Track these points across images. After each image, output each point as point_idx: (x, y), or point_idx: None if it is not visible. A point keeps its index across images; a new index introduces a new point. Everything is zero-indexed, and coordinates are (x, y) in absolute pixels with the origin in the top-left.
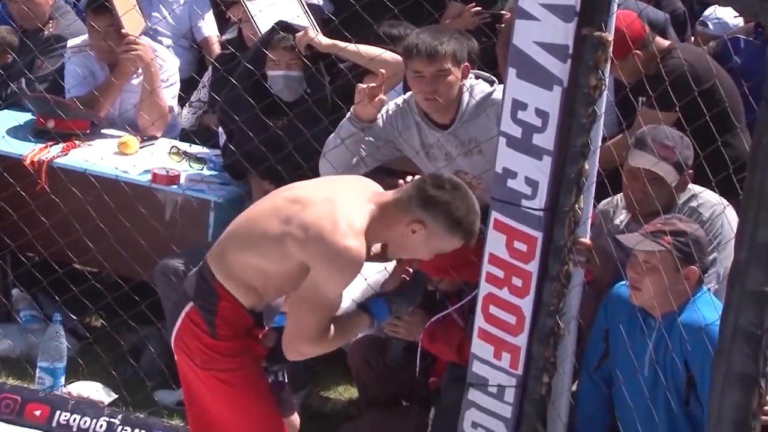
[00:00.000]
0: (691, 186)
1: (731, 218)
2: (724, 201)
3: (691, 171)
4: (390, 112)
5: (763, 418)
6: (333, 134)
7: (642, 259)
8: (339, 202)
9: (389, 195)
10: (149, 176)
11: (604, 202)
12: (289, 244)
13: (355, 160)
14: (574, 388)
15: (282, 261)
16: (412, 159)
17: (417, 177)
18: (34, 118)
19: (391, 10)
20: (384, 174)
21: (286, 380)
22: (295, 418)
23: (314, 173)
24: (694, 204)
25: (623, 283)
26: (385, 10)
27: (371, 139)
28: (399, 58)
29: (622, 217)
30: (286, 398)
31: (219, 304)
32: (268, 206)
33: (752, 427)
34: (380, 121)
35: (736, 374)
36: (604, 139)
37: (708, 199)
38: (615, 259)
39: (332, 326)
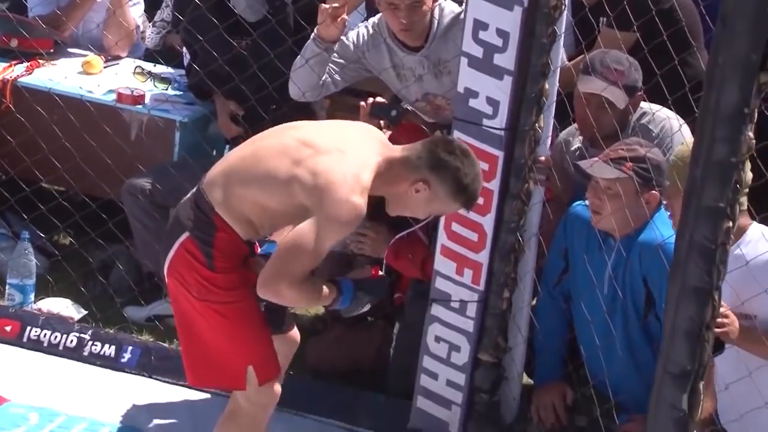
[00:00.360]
0: (643, 104)
1: (686, 135)
2: (674, 115)
3: (641, 93)
4: (360, 35)
5: (716, 330)
6: (299, 55)
7: (604, 186)
8: (349, 154)
9: (398, 151)
10: (114, 96)
11: (564, 132)
12: (296, 186)
13: (323, 80)
14: (534, 302)
15: (285, 201)
16: (383, 79)
17: (427, 139)
18: None
19: None
20: (348, 94)
21: None
22: (295, 332)
23: (278, 93)
24: (644, 120)
25: (583, 202)
26: None
27: (342, 60)
28: None
29: (577, 141)
30: (281, 316)
31: (216, 235)
32: (277, 144)
33: (705, 338)
34: (351, 44)
35: (691, 287)
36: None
37: (658, 114)
38: (575, 178)
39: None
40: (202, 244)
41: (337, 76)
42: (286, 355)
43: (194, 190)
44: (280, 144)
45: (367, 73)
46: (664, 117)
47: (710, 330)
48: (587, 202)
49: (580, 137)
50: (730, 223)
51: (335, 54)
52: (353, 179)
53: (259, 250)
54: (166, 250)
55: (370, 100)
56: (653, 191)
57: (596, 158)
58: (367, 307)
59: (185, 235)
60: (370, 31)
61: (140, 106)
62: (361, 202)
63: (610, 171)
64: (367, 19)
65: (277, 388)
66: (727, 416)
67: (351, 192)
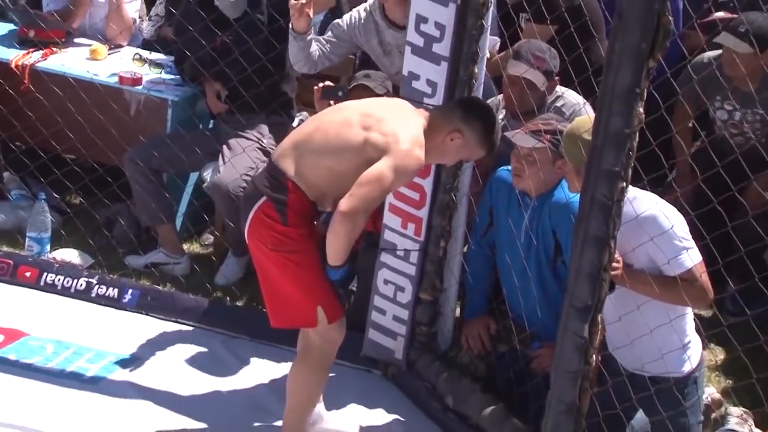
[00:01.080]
0: (558, 88)
1: (590, 114)
2: (583, 100)
3: (557, 77)
4: (353, 17)
5: (612, 273)
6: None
7: (524, 153)
8: (404, 118)
9: (432, 110)
10: (116, 78)
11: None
12: (369, 147)
13: (317, 56)
14: (465, 251)
15: (359, 162)
16: (369, 52)
17: (457, 99)
18: (18, 28)
19: None
20: (312, 77)
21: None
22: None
23: (258, 76)
24: (559, 104)
25: (505, 167)
26: None
27: (335, 39)
28: None
29: (501, 115)
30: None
31: (289, 195)
32: (340, 118)
33: (603, 278)
34: (345, 25)
35: (592, 237)
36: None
37: (570, 99)
38: (499, 147)
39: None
40: (277, 204)
41: (330, 53)
42: None
43: (267, 163)
44: (343, 118)
45: (357, 50)
46: (574, 102)
47: (607, 272)
48: (509, 168)
49: (504, 110)
50: (624, 184)
51: (330, 34)
52: (414, 137)
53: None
54: (246, 215)
55: (321, 84)
56: (564, 159)
57: (518, 130)
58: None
59: (263, 200)
60: (362, 14)
61: (139, 87)
62: (421, 154)
63: (530, 141)
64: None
65: (343, 326)
66: (614, 344)
67: (414, 146)
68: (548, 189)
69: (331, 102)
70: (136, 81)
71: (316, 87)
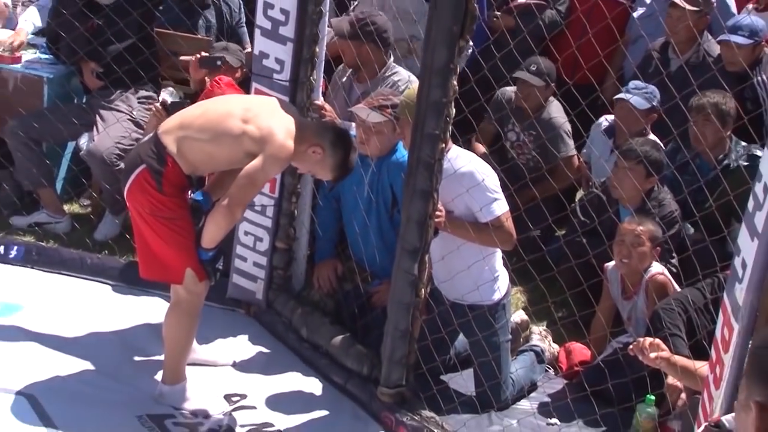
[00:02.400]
0: (390, 63)
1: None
2: (410, 74)
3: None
4: None
5: (436, 220)
6: None
7: (372, 125)
8: (280, 114)
9: (308, 121)
10: None
11: (337, 69)
12: (246, 138)
13: None
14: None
15: (234, 150)
16: None
17: (333, 124)
18: None
19: None
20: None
21: None
22: None
23: (130, 53)
24: (395, 78)
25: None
26: None
27: None
28: None
29: (345, 79)
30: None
31: (166, 168)
32: (225, 109)
33: (429, 225)
34: None
35: (419, 190)
36: None
37: (402, 74)
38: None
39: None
40: (155, 173)
41: None
42: None
43: (152, 135)
44: (227, 109)
45: None
46: (405, 75)
47: (431, 219)
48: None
49: (347, 72)
50: (443, 145)
51: None
52: (286, 130)
53: (191, 195)
54: (126, 178)
55: (198, 55)
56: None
57: (362, 105)
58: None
59: (142, 167)
60: None
61: (18, 66)
62: (291, 145)
63: (376, 116)
64: None
65: (208, 283)
66: (439, 279)
67: (286, 138)
68: (387, 152)
69: (207, 72)
70: (15, 60)
71: (193, 57)
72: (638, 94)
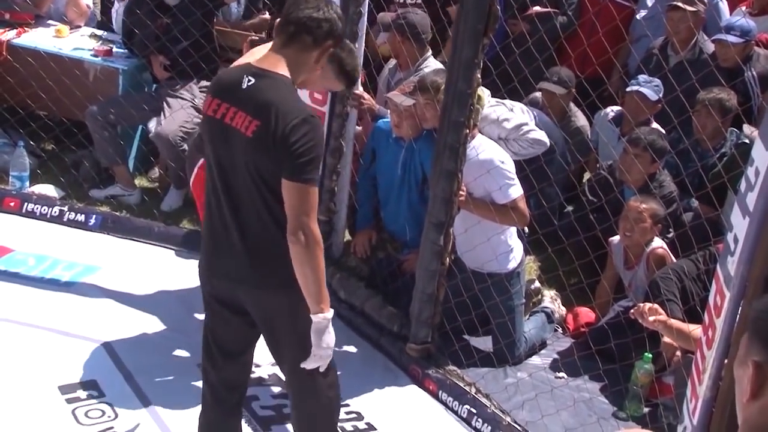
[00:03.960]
0: (428, 56)
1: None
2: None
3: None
4: None
5: (459, 199)
6: None
7: (403, 108)
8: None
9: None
10: (79, 53)
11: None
12: None
13: None
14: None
15: None
16: None
17: None
18: None
19: None
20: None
21: None
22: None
23: (193, 48)
24: (426, 69)
25: (385, 119)
26: None
27: None
28: None
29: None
30: None
31: None
32: None
33: (453, 202)
34: None
35: (445, 171)
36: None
37: (431, 64)
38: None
39: None
40: None
41: None
42: None
43: None
44: None
45: None
46: (434, 66)
47: (456, 196)
48: (386, 120)
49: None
50: (467, 131)
51: None
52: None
53: None
54: (191, 169)
55: (249, 38)
56: (433, 111)
57: (396, 92)
58: None
59: (202, 160)
60: None
61: (96, 58)
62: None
63: (409, 101)
64: None
65: None
66: (461, 249)
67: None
68: (419, 134)
69: None
70: (107, 52)
71: (246, 41)
72: (648, 87)
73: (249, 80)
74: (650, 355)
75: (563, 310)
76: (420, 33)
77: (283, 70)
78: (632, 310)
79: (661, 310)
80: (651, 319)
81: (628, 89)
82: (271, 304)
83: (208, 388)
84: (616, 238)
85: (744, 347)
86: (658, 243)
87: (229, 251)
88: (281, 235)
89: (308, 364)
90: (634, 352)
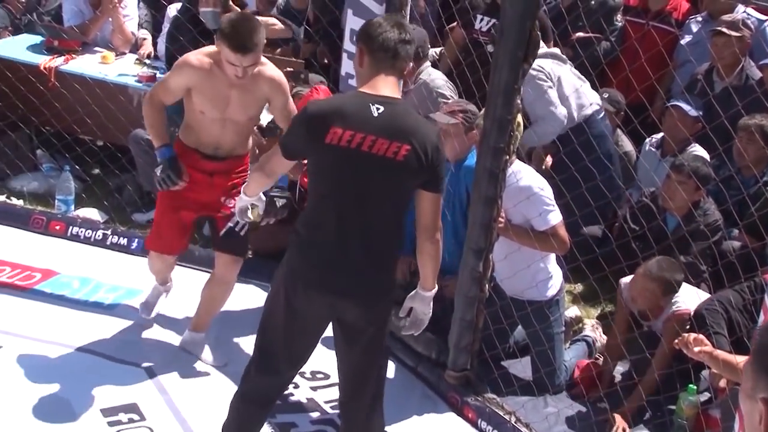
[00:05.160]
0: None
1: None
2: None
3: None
4: None
5: (498, 226)
6: None
7: (444, 129)
8: None
9: None
10: (123, 78)
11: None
12: None
13: None
14: None
15: None
16: None
17: None
18: (45, 39)
19: None
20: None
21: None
22: (227, 273)
23: None
24: (423, 76)
25: None
26: None
27: None
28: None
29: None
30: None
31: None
32: None
33: (493, 228)
34: None
35: (484, 197)
36: None
37: (426, 69)
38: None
39: None
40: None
41: None
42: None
43: None
44: None
45: None
46: (433, 73)
47: (496, 222)
48: None
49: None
50: (507, 157)
51: None
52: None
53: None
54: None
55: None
56: (474, 132)
57: (438, 112)
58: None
59: None
60: None
61: (139, 84)
62: None
63: (449, 119)
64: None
65: (154, 258)
66: (501, 276)
67: None
68: (463, 156)
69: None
70: (151, 78)
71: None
72: (687, 103)
73: (378, 108)
74: (695, 387)
75: (604, 338)
76: (418, 51)
77: (397, 93)
78: (677, 340)
79: (706, 341)
80: (696, 349)
81: (668, 104)
82: (381, 314)
83: (255, 392)
84: (627, 279)
85: (751, 380)
86: (683, 305)
87: (348, 268)
88: (399, 245)
89: (407, 330)
90: (678, 383)
